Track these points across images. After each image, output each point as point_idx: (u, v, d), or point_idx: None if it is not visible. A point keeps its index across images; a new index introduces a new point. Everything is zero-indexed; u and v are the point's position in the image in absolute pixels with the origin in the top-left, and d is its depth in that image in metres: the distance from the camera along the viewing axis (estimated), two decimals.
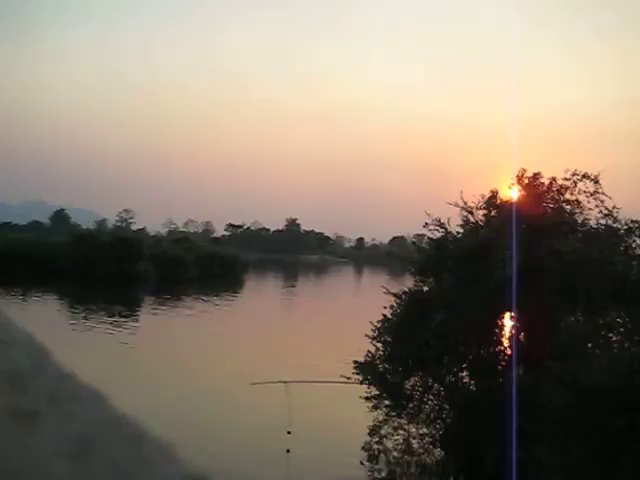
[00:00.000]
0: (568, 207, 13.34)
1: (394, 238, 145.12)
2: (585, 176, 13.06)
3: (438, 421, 13.18)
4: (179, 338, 30.91)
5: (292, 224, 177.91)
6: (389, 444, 13.12)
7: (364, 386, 13.14)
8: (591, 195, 12.99)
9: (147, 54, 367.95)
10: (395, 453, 13.09)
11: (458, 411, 12.85)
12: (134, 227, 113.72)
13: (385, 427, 13.07)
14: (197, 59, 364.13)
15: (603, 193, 12.89)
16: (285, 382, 15.53)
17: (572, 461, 9.75)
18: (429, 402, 13.22)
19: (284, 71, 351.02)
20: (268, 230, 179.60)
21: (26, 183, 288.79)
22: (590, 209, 13.08)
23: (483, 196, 13.66)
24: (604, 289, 11.78)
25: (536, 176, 13.54)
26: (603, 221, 12.92)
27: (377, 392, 13.05)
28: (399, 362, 13.07)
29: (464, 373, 13.34)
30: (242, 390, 17.56)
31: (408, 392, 13.07)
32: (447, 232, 13.83)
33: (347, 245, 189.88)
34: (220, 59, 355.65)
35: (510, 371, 11.75)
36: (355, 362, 13.28)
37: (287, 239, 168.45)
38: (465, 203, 13.63)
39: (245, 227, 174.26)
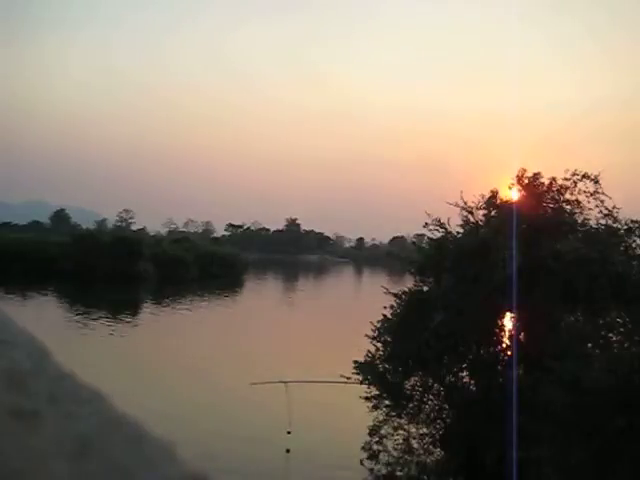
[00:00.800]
0: (568, 207, 13.33)
1: (394, 238, 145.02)
2: (585, 176, 13.06)
3: (438, 421, 13.18)
4: (179, 338, 30.90)
5: (292, 224, 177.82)
6: (389, 444, 13.12)
7: (364, 386, 13.14)
8: (591, 195, 12.99)
9: (152, 54, 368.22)
10: (395, 453, 13.09)
11: (458, 411, 12.84)
12: (134, 227, 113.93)
13: (385, 427, 13.07)
14: (197, 59, 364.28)
15: (603, 193, 12.90)
16: (285, 382, 15.54)
17: (572, 461, 9.76)
18: (429, 402, 13.22)
19: (285, 71, 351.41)
20: (268, 230, 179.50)
21: (26, 183, 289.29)
22: (590, 209, 13.10)
23: (483, 196, 13.67)
24: (604, 289, 11.78)
25: (536, 176, 13.54)
26: (603, 221, 12.92)
27: (377, 392, 13.05)
28: (399, 362, 13.07)
29: (464, 373, 13.34)
30: (242, 390, 17.57)
31: (408, 392, 13.07)
32: (447, 232, 13.83)
33: (347, 245, 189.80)
34: (220, 59, 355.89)
35: (510, 371, 11.75)
36: (355, 362, 13.28)
37: (287, 239, 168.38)
38: (465, 203, 13.63)
39: (245, 227, 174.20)
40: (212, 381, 21.07)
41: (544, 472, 9.96)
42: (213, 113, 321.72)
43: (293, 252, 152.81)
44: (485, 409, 11.74)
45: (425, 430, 13.18)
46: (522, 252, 11.97)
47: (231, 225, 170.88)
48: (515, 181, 13.59)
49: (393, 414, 13.06)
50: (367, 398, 13.06)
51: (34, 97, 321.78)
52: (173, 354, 26.21)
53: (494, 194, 13.63)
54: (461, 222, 13.73)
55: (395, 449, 13.12)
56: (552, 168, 13.70)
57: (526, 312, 12.24)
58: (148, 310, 42.78)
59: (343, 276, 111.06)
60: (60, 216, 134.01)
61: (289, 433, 14.57)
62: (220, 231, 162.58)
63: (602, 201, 12.87)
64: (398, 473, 12.99)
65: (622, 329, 11.86)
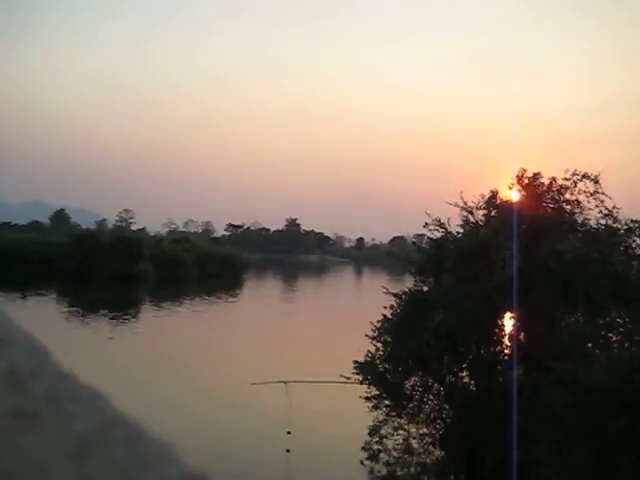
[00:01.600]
0: (568, 207, 13.33)
1: (394, 238, 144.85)
2: (585, 176, 13.05)
3: (438, 421, 13.18)
4: (179, 338, 30.91)
5: (292, 224, 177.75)
6: (389, 444, 13.12)
7: (364, 386, 13.14)
8: (591, 195, 12.98)
9: (146, 55, 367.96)
10: (395, 453, 13.09)
11: (458, 411, 12.84)
12: (134, 227, 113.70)
13: (385, 427, 13.07)
14: (197, 59, 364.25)
15: (603, 193, 12.90)
16: (285, 382, 15.54)
17: (572, 461, 9.75)
18: (429, 402, 13.22)
19: (285, 71, 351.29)
20: (268, 230, 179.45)
21: (26, 183, 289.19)
22: (590, 209, 13.09)
23: (483, 196, 13.67)
24: (604, 289, 11.78)
25: (536, 176, 13.53)
26: (603, 221, 12.92)
27: (377, 392, 13.05)
28: (399, 362, 13.07)
29: (464, 373, 13.34)
30: (242, 390, 17.56)
31: (408, 392, 13.07)
32: (447, 232, 13.83)
33: (347, 245, 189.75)
34: (219, 59, 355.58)
35: (510, 371, 11.75)
36: (355, 362, 13.28)
37: (287, 239, 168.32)
38: (465, 203, 13.64)
39: (245, 227, 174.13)
40: (212, 381, 21.07)
41: (544, 472, 9.96)
42: (213, 113, 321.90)
43: (293, 252, 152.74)
44: (485, 409, 11.74)
45: (425, 430, 13.18)
46: (522, 252, 11.96)
47: (231, 225, 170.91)
48: (515, 181, 13.60)
49: (393, 414, 13.06)
50: (367, 398, 13.05)
51: (34, 97, 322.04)
52: (173, 354, 26.20)
53: (494, 194, 13.63)
54: (461, 222, 13.74)
55: (395, 449, 13.13)
56: (556, 170, 13.66)
57: (526, 312, 12.24)
58: (148, 310, 42.78)
59: (343, 276, 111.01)
60: (60, 216, 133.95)
61: (289, 433, 14.56)
62: (220, 231, 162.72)
63: (602, 201, 12.87)
64: (398, 473, 12.99)
65: (622, 329, 11.85)
